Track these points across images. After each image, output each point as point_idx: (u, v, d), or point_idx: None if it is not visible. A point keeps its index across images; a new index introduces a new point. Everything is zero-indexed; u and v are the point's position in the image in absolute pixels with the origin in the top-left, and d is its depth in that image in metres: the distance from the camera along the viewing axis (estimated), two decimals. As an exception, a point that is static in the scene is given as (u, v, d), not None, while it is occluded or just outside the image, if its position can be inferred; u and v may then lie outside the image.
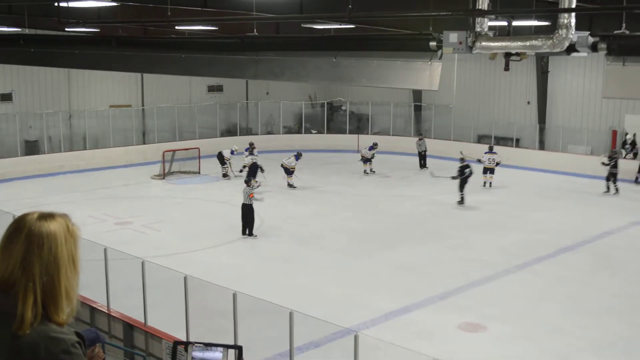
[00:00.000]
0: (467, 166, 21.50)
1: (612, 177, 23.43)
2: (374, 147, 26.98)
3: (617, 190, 23.22)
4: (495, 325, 12.23)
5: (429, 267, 15.56)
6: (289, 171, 23.85)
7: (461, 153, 25.85)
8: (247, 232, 17.77)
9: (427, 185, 24.74)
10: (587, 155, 27.30)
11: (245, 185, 18.08)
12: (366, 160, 26.73)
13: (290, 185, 23.81)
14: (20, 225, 2.07)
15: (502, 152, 28.72)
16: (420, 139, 28.67)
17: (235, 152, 26.05)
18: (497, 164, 24.32)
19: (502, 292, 14.06)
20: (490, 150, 24.87)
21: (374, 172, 26.16)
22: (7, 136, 27.18)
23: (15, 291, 2.01)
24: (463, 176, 21.37)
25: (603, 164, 23.35)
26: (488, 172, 24.28)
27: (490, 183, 24.33)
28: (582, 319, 12.70)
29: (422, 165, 28.17)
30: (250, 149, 25.38)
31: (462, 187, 21.38)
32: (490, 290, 14.17)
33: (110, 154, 28.56)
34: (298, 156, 24.07)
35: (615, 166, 23.33)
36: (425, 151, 28.29)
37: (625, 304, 13.53)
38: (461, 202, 21.39)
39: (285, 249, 16.96)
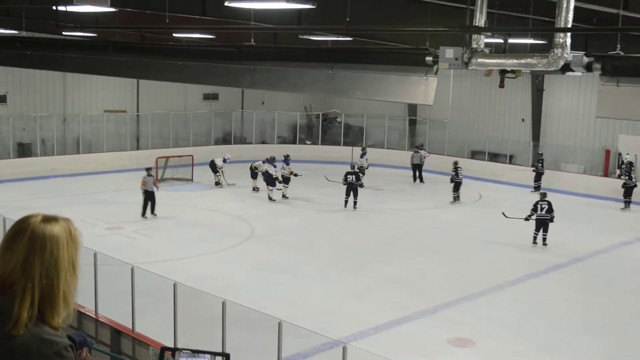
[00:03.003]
0: (352, 173, 22.79)
1: (540, 177, 26.54)
2: (364, 153, 27.32)
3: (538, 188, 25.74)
4: (485, 340, 12.23)
5: (421, 280, 15.55)
6: (287, 180, 23.79)
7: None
8: (151, 213, 20.56)
9: (421, 198, 24.79)
10: (580, 174, 27.41)
11: (147, 174, 20.75)
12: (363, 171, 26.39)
13: (284, 196, 23.80)
14: (23, 227, 2.07)
15: (496, 169, 28.92)
16: (415, 152, 28.74)
17: (227, 160, 26.03)
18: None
19: (493, 307, 14.06)
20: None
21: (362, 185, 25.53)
22: (0, 138, 27.10)
23: (12, 292, 2.00)
24: (346, 182, 22.56)
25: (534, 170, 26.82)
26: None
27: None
28: (572, 336, 12.71)
29: (416, 178, 28.23)
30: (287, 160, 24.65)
31: (347, 193, 22.61)
32: (481, 305, 14.17)
33: (103, 159, 28.50)
34: (287, 160, 24.11)
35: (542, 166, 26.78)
36: (421, 164, 28.34)
37: (615, 322, 13.55)
38: (345, 205, 22.60)
39: (276, 259, 16.93)
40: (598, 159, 28.09)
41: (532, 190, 25.96)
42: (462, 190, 24.19)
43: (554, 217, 18.28)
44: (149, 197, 20.64)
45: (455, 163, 24.73)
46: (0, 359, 1.99)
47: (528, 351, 11.94)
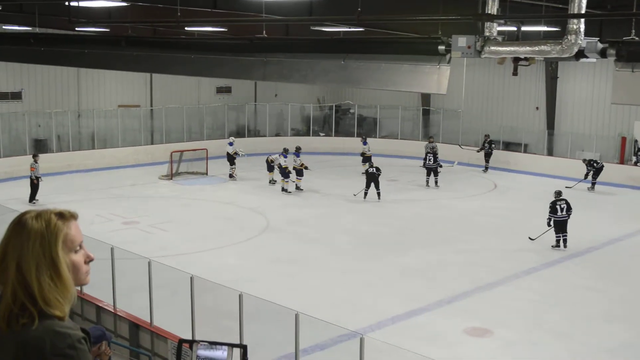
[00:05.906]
0: (373, 165, 22.89)
1: (488, 157, 28.29)
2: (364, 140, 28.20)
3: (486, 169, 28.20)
4: (501, 330, 12.21)
5: (436, 271, 15.54)
6: (300, 172, 23.81)
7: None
8: (33, 199, 21.16)
9: (434, 189, 24.72)
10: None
11: (34, 161, 21.39)
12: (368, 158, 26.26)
13: (297, 188, 23.82)
14: (13, 221, 2.11)
15: (510, 158, 28.78)
16: (429, 141, 28.63)
17: (233, 144, 26.17)
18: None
19: (508, 297, 14.02)
20: (296, 152, 24.29)
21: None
22: (16, 134, 27.31)
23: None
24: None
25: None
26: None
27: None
28: (588, 325, 12.66)
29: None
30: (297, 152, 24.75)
31: (367, 184, 22.59)
32: (497, 295, 14.14)
33: (118, 154, 28.64)
34: (298, 152, 24.12)
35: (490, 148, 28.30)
36: (436, 154, 28.20)
37: (631, 311, 13.47)
38: (364, 197, 22.56)
39: (291, 250, 16.97)
40: (614, 146, 27.86)
41: (483, 170, 28.23)
42: (476, 179, 24.07)
43: (570, 214, 17.11)
44: (38, 183, 21.39)
45: (433, 148, 26.31)
46: (16, 353, 2.00)
47: (545, 340, 11.91)
